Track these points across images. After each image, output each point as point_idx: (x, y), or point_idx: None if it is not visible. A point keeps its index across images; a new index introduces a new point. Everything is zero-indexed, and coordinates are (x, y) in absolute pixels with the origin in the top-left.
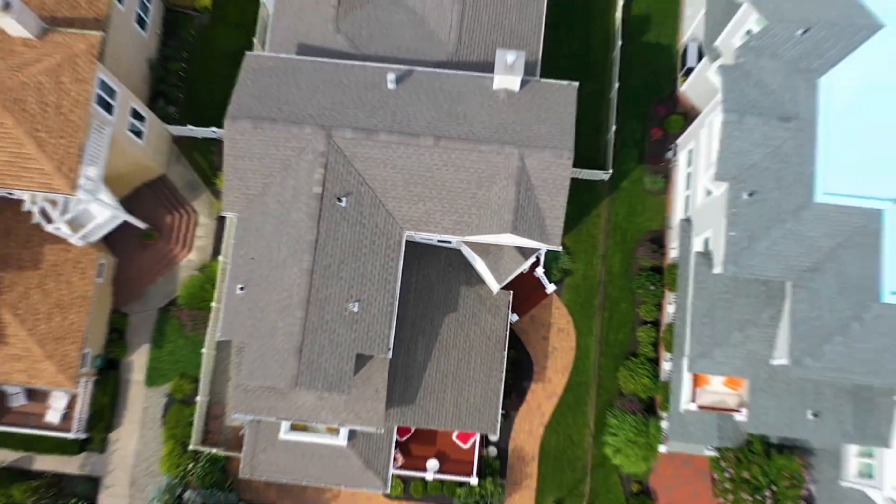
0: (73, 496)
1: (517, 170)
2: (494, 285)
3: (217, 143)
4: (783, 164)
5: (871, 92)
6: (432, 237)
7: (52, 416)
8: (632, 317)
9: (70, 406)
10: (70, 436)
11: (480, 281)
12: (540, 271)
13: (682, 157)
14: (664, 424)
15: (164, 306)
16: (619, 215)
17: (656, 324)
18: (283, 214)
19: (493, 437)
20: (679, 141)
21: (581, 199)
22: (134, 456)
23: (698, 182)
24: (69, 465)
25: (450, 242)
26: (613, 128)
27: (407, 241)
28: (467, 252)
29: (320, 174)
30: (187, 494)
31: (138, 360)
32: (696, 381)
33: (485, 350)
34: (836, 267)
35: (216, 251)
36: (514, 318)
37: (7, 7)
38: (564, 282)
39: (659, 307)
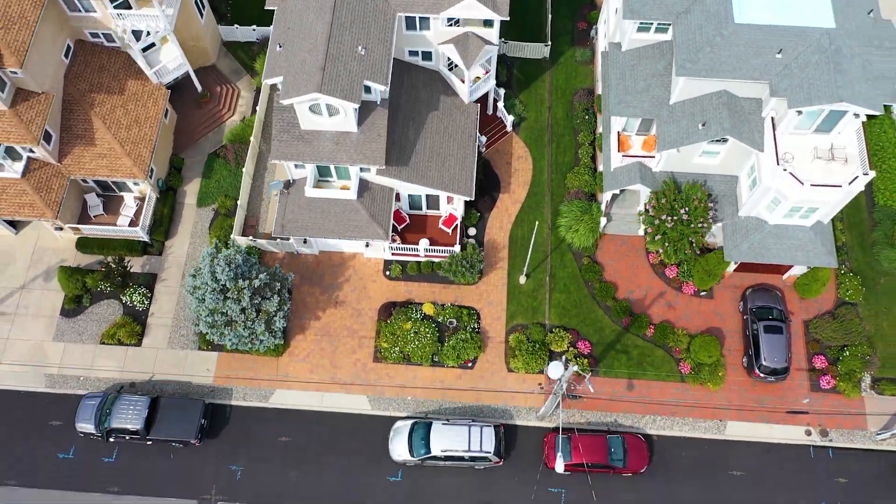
0: (137, 285)
1: None
2: (465, 95)
3: (255, 44)
4: None
5: None
6: (417, 48)
7: (123, 222)
8: (573, 144)
9: (136, 215)
10: (137, 230)
11: (455, 94)
12: (501, 106)
13: (600, 29)
14: (602, 206)
15: (212, 152)
16: (559, 80)
17: (592, 143)
18: None
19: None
20: (598, 25)
21: (530, 72)
22: (185, 257)
23: (610, 13)
24: (133, 264)
25: (430, 60)
26: (549, 18)
27: (396, 59)
28: (445, 73)
29: None
30: (231, 239)
31: (191, 190)
32: (621, 147)
33: (461, 139)
34: (700, 6)
35: (254, 113)
36: (483, 139)
37: None
38: (520, 125)
39: (593, 133)
